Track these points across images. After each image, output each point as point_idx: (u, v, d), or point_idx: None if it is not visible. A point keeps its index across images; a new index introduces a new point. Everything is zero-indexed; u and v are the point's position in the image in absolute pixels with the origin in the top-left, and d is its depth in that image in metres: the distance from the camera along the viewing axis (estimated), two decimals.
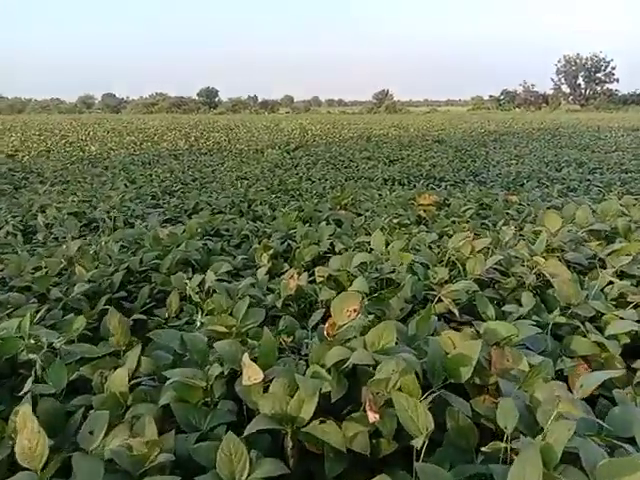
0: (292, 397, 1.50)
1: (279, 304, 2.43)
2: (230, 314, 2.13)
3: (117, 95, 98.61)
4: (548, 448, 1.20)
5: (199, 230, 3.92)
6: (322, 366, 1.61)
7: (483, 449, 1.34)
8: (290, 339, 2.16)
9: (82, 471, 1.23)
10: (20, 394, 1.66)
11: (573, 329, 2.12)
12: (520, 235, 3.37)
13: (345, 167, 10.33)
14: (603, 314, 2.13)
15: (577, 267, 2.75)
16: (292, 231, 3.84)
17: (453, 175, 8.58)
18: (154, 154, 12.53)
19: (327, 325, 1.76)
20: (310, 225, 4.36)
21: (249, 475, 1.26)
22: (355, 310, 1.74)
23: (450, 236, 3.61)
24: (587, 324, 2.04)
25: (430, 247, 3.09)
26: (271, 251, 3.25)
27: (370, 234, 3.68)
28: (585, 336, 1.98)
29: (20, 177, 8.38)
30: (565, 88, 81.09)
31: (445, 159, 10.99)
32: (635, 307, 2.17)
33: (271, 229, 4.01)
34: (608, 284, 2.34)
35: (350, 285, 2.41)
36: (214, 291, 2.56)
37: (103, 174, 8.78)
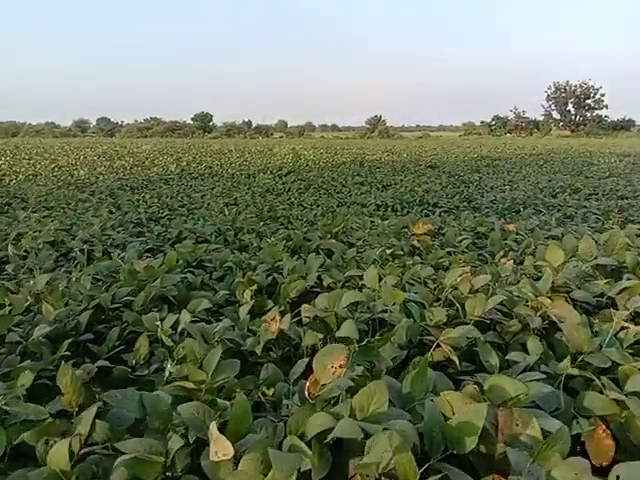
0: (266, 475, 1.26)
1: (259, 350, 2.19)
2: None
3: (112, 119, 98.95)
4: None
5: (180, 261, 3.69)
6: (302, 436, 1.38)
7: None
8: (271, 392, 1.92)
9: None
10: None
11: (586, 381, 1.89)
12: (520, 270, 3.17)
13: (337, 192, 10.17)
14: (619, 364, 1.90)
15: (584, 306, 2.54)
16: (279, 263, 3.61)
17: (447, 201, 8.43)
18: (144, 179, 12.34)
19: (308, 383, 1.53)
20: (299, 255, 4.14)
21: None
22: (340, 366, 1.52)
23: (446, 269, 3.41)
24: (603, 377, 1.81)
25: (425, 283, 2.87)
26: (255, 286, 3.02)
27: (361, 267, 3.47)
28: (602, 392, 1.75)
29: (3, 202, 8.14)
30: (555, 114, 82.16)
31: (438, 184, 10.87)
32: None
33: (256, 260, 3.78)
34: (622, 329, 2.12)
35: (338, 329, 2.18)
36: (189, 333, 2.32)
37: (89, 200, 8.55)
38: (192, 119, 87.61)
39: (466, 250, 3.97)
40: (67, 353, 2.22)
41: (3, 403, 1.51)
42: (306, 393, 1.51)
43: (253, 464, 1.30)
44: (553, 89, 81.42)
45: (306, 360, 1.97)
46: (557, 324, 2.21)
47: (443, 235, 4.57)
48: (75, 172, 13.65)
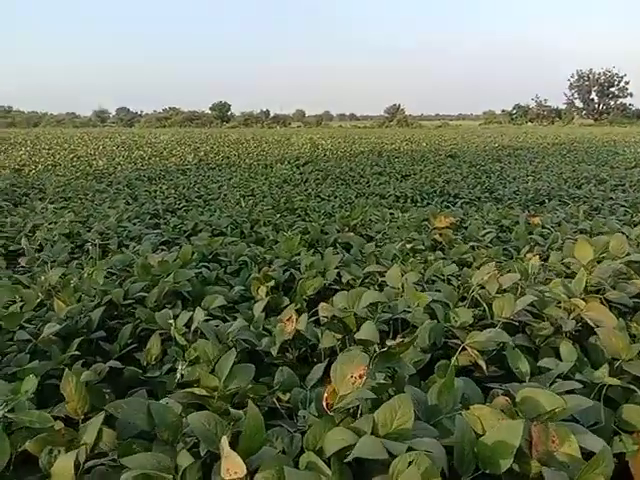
0: None
1: (274, 351, 2.10)
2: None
3: (131, 109, 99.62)
4: None
5: (195, 255, 3.60)
6: (320, 452, 1.28)
7: None
8: (286, 396, 1.83)
9: None
10: None
11: (624, 391, 1.76)
12: (547, 266, 3.02)
13: (355, 183, 10.02)
14: None
15: (619, 308, 2.39)
16: (296, 257, 3.51)
17: (468, 192, 8.22)
18: (161, 169, 12.31)
19: (326, 394, 1.43)
20: (316, 249, 4.04)
21: None
22: (360, 376, 1.41)
23: (470, 265, 3.28)
24: None
25: (449, 280, 2.74)
26: (271, 282, 2.92)
27: (381, 262, 3.35)
28: None
29: (21, 193, 8.15)
30: (578, 103, 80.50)
31: (459, 175, 10.63)
32: None
33: (272, 254, 3.69)
34: None
35: (357, 330, 2.07)
36: (202, 333, 2.24)
37: (106, 190, 8.53)
38: (210, 109, 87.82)
39: (490, 245, 3.82)
40: (77, 353, 2.15)
41: (7, 410, 1.43)
42: (324, 404, 1.41)
43: None
44: (576, 77, 79.78)
45: (323, 365, 1.87)
46: (591, 328, 2.07)
47: (465, 228, 4.42)
48: (94, 162, 13.68)
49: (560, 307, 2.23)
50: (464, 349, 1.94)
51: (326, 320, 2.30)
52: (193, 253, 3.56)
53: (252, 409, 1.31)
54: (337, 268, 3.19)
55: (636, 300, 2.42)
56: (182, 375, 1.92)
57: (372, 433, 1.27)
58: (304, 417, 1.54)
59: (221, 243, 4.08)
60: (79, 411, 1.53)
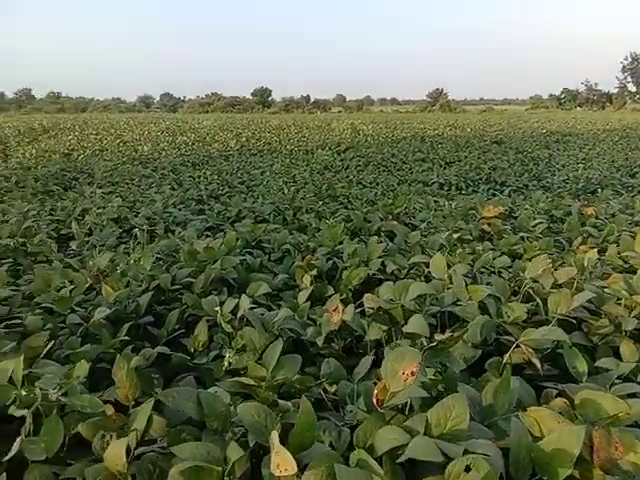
0: None
1: (320, 342, 2.08)
2: (263, 354, 1.82)
3: (174, 95, 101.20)
4: None
5: (239, 242, 3.62)
6: (370, 449, 1.25)
7: None
8: (333, 389, 1.81)
9: None
10: (5, 459, 1.39)
11: None
12: (603, 260, 2.88)
13: (397, 169, 9.88)
14: None
15: None
16: (339, 246, 3.47)
17: (515, 180, 7.98)
18: (204, 155, 12.46)
19: (377, 390, 1.39)
20: (359, 238, 3.99)
21: None
22: (412, 373, 1.37)
23: (520, 257, 3.17)
24: None
25: (499, 273, 2.65)
26: (314, 271, 2.90)
27: (426, 252, 3.28)
28: None
29: (71, 177, 8.41)
30: (631, 87, 76.73)
31: (505, 162, 10.33)
32: None
33: (315, 242, 3.66)
34: None
35: (404, 323, 2.03)
36: (248, 320, 2.24)
37: (152, 175, 8.70)
38: (252, 94, 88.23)
39: (540, 235, 3.68)
40: (126, 337, 2.19)
41: (60, 394, 1.46)
42: (374, 400, 1.38)
43: (318, 479, 1.19)
44: (630, 60, 76.01)
45: (371, 358, 1.84)
46: None
47: (515, 218, 4.27)
48: (139, 147, 13.96)
49: (620, 304, 2.12)
50: (517, 346, 1.87)
51: (372, 311, 2.26)
52: (237, 240, 3.58)
53: (305, 404, 1.29)
54: (381, 257, 3.15)
55: None
56: (229, 363, 1.93)
57: (425, 433, 1.23)
58: (352, 412, 1.51)
59: (264, 230, 4.10)
60: (130, 397, 1.55)
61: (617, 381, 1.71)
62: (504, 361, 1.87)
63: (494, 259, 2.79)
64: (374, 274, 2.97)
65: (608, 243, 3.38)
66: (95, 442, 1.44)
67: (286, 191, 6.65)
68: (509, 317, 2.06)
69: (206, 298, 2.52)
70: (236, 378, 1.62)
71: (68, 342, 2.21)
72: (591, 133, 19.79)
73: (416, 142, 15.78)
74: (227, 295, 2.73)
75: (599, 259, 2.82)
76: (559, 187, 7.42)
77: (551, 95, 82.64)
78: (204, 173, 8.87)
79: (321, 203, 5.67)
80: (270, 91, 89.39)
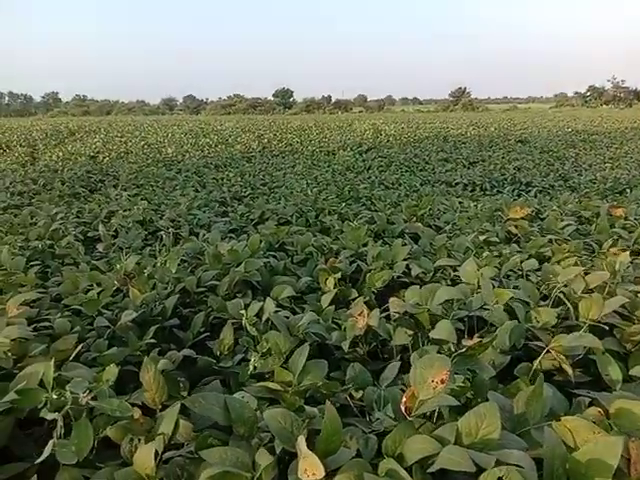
0: None
1: (345, 346, 2.06)
2: (289, 357, 1.81)
3: (197, 97, 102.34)
4: None
5: (263, 244, 3.63)
6: (399, 458, 1.23)
7: None
8: (359, 394, 1.79)
9: None
10: (37, 462, 1.41)
11: None
12: (636, 263, 2.81)
13: (420, 170, 9.81)
14: None
15: None
16: (362, 249, 3.45)
17: (541, 180, 7.84)
18: (227, 157, 12.55)
19: (405, 398, 1.37)
20: (383, 240, 3.96)
21: None
22: (442, 381, 1.34)
23: (548, 259, 3.11)
24: None
25: (527, 276, 2.60)
26: (338, 274, 2.89)
27: (452, 255, 3.24)
28: None
29: (96, 180, 8.55)
30: None
31: (530, 161, 10.17)
32: None
33: (339, 245, 3.65)
34: None
35: (431, 327, 2.00)
36: (272, 323, 2.24)
37: (176, 178, 8.79)
38: (273, 95, 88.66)
39: (569, 238, 3.60)
40: (153, 340, 2.21)
41: (90, 398, 1.48)
42: (403, 409, 1.36)
43: None
44: None
45: (398, 364, 1.82)
46: None
47: (542, 220, 4.19)
48: (163, 150, 14.14)
49: None
50: (547, 352, 1.83)
51: (397, 316, 2.24)
52: (260, 242, 3.59)
53: (330, 411, 1.28)
54: (405, 260, 3.12)
55: None
56: (255, 367, 1.93)
57: (455, 442, 1.21)
58: (378, 419, 1.49)
59: (287, 232, 4.10)
60: (157, 400, 1.56)
61: None
62: (533, 367, 1.83)
63: (521, 262, 2.74)
64: (398, 277, 2.94)
65: (639, 245, 3.29)
66: (123, 446, 1.45)
67: (309, 192, 6.66)
68: (538, 322, 2.02)
69: (231, 301, 2.53)
70: (262, 383, 1.62)
71: (96, 345, 2.23)
72: (618, 131, 19.37)
73: (439, 142, 15.66)
74: (251, 298, 2.74)
75: (631, 262, 2.74)
76: (586, 187, 7.27)
77: (576, 93, 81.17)
78: (227, 175, 8.93)
79: (344, 205, 5.65)
80: (291, 92, 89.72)
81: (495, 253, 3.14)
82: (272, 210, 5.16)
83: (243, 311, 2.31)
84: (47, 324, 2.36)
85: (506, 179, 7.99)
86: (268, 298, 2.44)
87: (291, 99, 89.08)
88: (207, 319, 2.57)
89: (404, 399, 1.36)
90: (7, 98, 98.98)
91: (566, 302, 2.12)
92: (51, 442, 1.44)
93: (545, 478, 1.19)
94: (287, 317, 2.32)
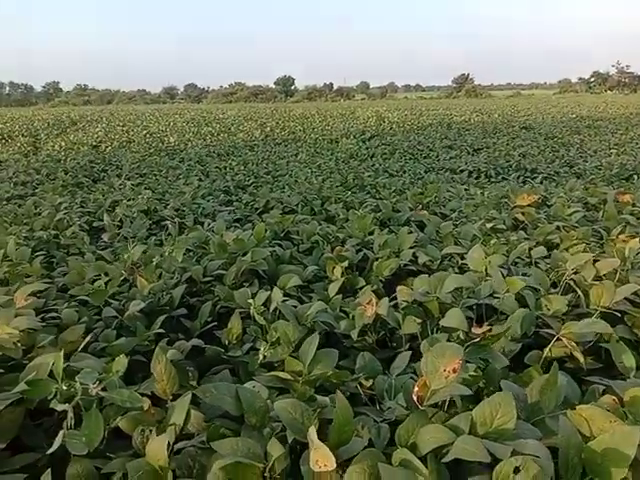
0: None
1: (354, 335, 2.05)
2: (298, 346, 1.81)
3: (198, 85, 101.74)
4: None
5: (268, 233, 3.61)
6: (412, 448, 1.22)
7: None
8: (369, 383, 1.78)
9: None
10: (48, 452, 1.40)
11: None
12: None
13: (424, 157, 9.75)
14: None
15: None
16: (368, 237, 3.43)
17: (546, 167, 7.78)
18: (230, 145, 12.50)
19: (417, 387, 1.36)
20: (389, 228, 3.94)
21: None
22: (454, 370, 1.33)
23: (556, 246, 3.08)
24: None
25: (536, 264, 2.58)
26: (345, 262, 2.87)
27: (459, 243, 3.22)
28: None
29: (99, 169, 8.52)
30: None
31: (535, 148, 10.10)
32: None
33: (344, 233, 3.63)
34: None
35: (441, 316, 1.99)
36: (280, 312, 2.23)
37: (179, 167, 8.75)
38: (274, 83, 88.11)
39: (577, 225, 3.57)
40: (161, 330, 2.20)
41: (100, 389, 1.47)
42: (415, 398, 1.35)
43: (360, 476, 1.17)
44: None
45: (408, 353, 1.81)
46: None
47: (548, 206, 4.16)
48: (165, 138, 14.09)
49: None
50: (558, 340, 1.82)
51: (405, 304, 2.23)
52: (266, 231, 3.57)
53: (341, 401, 1.27)
54: (412, 248, 3.10)
55: None
56: (264, 356, 1.92)
57: (470, 432, 1.20)
58: (390, 408, 1.49)
59: (292, 221, 4.08)
60: (168, 391, 1.55)
61: None
62: (544, 355, 1.81)
63: (530, 249, 2.72)
64: (405, 265, 2.93)
65: None
66: (135, 437, 1.45)
67: (313, 181, 6.62)
68: (549, 310, 2.00)
69: (238, 290, 2.52)
70: (273, 372, 1.62)
71: (104, 335, 2.23)
72: (623, 117, 19.20)
73: (442, 129, 15.55)
74: (258, 287, 2.73)
75: None
76: (592, 174, 7.22)
77: (580, 79, 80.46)
78: (230, 164, 8.89)
79: (349, 193, 5.62)
80: (293, 80, 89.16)
81: (502, 240, 3.12)
82: (277, 199, 5.14)
83: (251, 300, 2.30)
84: (54, 315, 2.36)
85: (511, 166, 7.94)
86: (275, 287, 2.43)
87: (292, 87, 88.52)
88: (214, 308, 2.56)
89: (416, 388, 1.35)
90: (8, 88, 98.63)
91: (577, 289, 2.10)
92: (61, 433, 1.43)
93: (560, 468, 1.18)
94: (295, 306, 2.30)
